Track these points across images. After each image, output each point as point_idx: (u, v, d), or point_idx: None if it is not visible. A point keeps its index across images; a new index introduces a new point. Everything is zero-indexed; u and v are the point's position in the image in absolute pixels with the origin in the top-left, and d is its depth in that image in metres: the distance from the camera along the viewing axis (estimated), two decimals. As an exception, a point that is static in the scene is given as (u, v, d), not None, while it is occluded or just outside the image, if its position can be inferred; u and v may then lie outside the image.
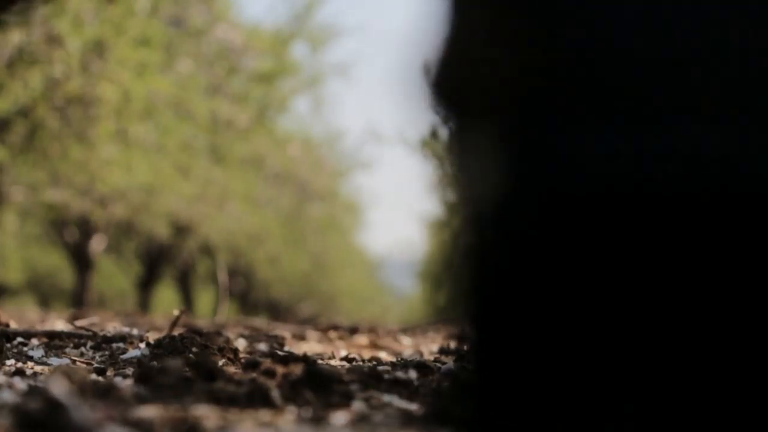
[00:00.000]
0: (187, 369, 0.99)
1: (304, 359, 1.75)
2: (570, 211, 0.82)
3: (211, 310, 16.80)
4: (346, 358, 1.89)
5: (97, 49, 6.53)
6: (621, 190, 0.80)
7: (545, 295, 0.82)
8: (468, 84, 0.92)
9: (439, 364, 1.59)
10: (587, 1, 0.83)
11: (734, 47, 0.80)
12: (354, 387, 1.11)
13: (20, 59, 6.30)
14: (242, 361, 1.61)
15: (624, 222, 0.80)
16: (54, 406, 0.66)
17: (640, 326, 0.78)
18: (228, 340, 1.70)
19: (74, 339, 1.84)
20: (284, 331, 3.04)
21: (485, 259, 0.82)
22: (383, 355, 2.35)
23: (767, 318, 0.77)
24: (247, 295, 22.48)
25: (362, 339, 2.88)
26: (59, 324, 2.62)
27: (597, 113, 0.82)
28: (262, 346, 2.16)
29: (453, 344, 2.74)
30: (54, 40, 6.24)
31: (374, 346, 2.73)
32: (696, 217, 0.80)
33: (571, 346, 0.79)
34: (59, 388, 0.71)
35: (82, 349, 1.76)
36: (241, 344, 2.21)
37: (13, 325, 2.01)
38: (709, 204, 0.80)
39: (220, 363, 1.53)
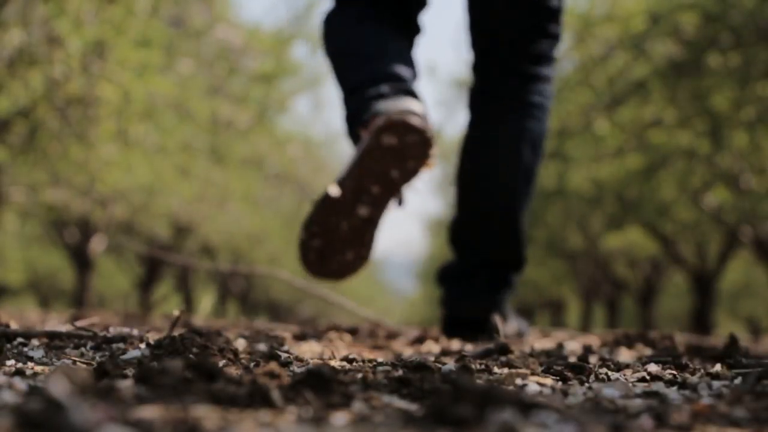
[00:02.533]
0: (188, 369, 0.99)
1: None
2: None
3: (210, 309, 16.79)
4: (346, 359, 1.89)
5: (98, 49, 6.54)
6: None
7: None
8: None
9: (439, 364, 1.59)
10: None
11: None
12: (354, 387, 1.11)
13: (20, 59, 6.30)
14: (242, 361, 1.61)
15: None
16: (54, 406, 0.66)
17: None
18: (228, 341, 1.70)
19: (74, 339, 1.84)
20: (284, 331, 3.04)
21: None
22: (383, 356, 2.35)
23: None
24: (247, 295, 22.48)
25: (362, 339, 2.88)
26: (59, 324, 2.62)
27: None
28: (262, 347, 2.16)
29: (455, 344, 2.74)
30: (54, 41, 6.24)
31: (374, 346, 2.73)
32: None
33: None
34: (59, 389, 0.71)
35: (83, 349, 1.76)
36: (241, 344, 2.21)
37: (13, 326, 2.00)
38: None
39: (221, 363, 1.53)
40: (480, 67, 2.57)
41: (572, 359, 2.14)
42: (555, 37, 2.55)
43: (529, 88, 2.48)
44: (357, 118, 2.28)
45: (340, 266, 2.41)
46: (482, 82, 2.54)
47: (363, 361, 1.79)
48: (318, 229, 2.36)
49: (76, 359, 1.59)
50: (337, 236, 2.34)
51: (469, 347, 2.54)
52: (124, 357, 1.54)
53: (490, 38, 2.51)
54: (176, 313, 1.92)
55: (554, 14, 2.49)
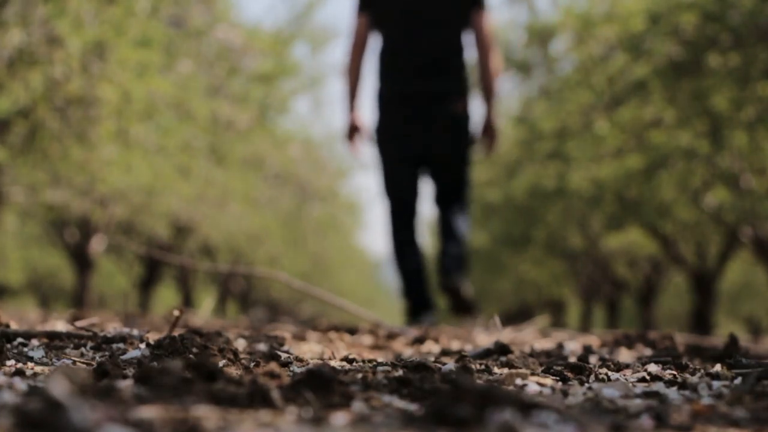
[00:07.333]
0: (188, 369, 0.99)
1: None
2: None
3: (211, 310, 16.76)
4: (346, 359, 1.89)
5: (98, 49, 6.53)
6: None
7: None
8: None
9: (439, 364, 1.59)
10: None
11: None
12: (354, 387, 1.11)
13: (20, 60, 6.30)
14: (242, 361, 1.61)
15: None
16: (54, 406, 0.66)
17: None
18: (228, 341, 1.70)
19: (74, 339, 1.84)
20: (284, 331, 3.04)
21: None
22: (383, 356, 2.36)
23: None
24: (247, 295, 22.49)
25: (362, 339, 2.88)
26: (59, 324, 2.62)
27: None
28: (262, 347, 2.16)
29: (454, 344, 2.74)
30: (54, 41, 6.25)
31: (374, 346, 2.73)
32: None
33: None
34: (59, 389, 0.71)
35: (83, 349, 1.76)
36: (241, 344, 2.21)
37: (13, 326, 2.00)
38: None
39: (221, 364, 1.53)
40: (435, 204, 5.34)
41: (572, 359, 2.14)
42: (465, 190, 5.27)
43: (454, 214, 5.23)
44: (409, 311, 5.24)
45: None
46: (438, 209, 5.28)
47: (363, 361, 1.79)
48: None
49: (76, 359, 1.59)
50: None
51: (468, 347, 2.55)
52: (124, 357, 1.54)
53: (435, 196, 5.31)
54: (176, 313, 1.92)
55: (464, 186, 5.26)
